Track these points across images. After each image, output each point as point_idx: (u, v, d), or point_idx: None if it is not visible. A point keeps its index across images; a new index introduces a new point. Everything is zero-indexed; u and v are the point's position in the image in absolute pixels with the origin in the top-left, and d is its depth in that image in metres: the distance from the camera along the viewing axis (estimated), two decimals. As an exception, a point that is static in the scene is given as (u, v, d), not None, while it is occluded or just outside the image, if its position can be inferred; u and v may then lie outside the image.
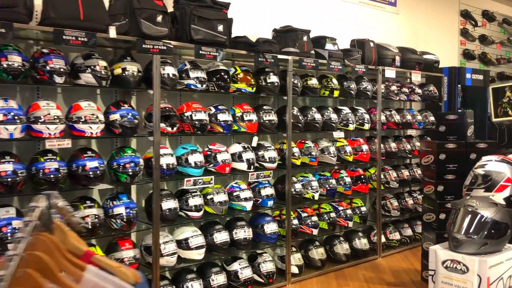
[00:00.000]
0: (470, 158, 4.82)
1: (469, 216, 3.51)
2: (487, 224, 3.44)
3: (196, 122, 4.39)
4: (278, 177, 5.37)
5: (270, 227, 4.99)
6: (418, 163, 7.01)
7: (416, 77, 6.61)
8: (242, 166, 4.77)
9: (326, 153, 5.60)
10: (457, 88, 7.42)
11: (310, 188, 5.41)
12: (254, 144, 4.92)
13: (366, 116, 6.02)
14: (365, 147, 6.00)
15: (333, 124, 5.59)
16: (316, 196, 5.41)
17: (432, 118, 6.95)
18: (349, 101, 6.55)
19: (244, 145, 4.87)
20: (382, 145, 6.27)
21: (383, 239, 6.28)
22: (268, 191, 5.02)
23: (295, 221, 5.29)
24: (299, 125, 5.25)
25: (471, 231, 3.48)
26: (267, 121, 4.95)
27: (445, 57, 7.86)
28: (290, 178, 5.14)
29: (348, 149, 5.81)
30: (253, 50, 4.71)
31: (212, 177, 4.47)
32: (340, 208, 5.83)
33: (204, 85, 4.41)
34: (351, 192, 5.82)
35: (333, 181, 5.66)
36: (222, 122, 4.60)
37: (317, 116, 5.44)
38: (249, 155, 4.81)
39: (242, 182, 4.89)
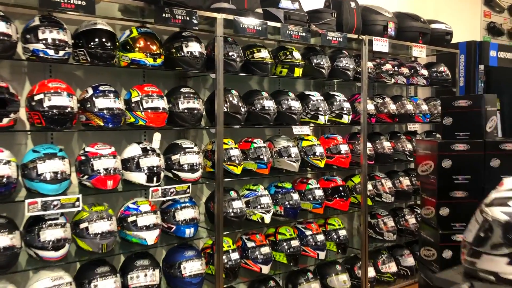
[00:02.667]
0: (490, 165, 3.12)
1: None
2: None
3: (52, 111, 2.81)
4: (212, 192, 3.76)
5: (191, 267, 3.39)
6: (423, 169, 5.26)
7: (419, 52, 4.87)
8: (139, 177, 3.17)
9: (284, 156, 3.95)
10: (477, 70, 5.62)
11: (258, 206, 3.77)
12: (154, 143, 3.30)
13: (346, 105, 4.34)
14: (344, 148, 4.32)
15: (294, 116, 3.93)
16: (267, 218, 3.77)
17: (443, 109, 5.20)
18: (328, 86, 4.87)
19: (146, 146, 3.27)
20: (370, 145, 4.58)
21: (372, 273, 4.59)
22: (187, 213, 3.41)
23: (235, 255, 3.66)
24: (238, 116, 3.61)
25: None
26: (185, 111, 3.34)
27: (463, 32, 6.08)
28: (221, 194, 3.51)
29: (319, 150, 4.14)
30: (152, 1, 3.10)
31: (79, 196, 2.88)
32: (308, 232, 4.17)
33: (62, 52, 2.82)
34: (322, 210, 4.16)
35: (295, 196, 4.00)
36: (102, 111, 3.01)
37: (268, 103, 3.79)
38: (151, 161, 3.20)
39: (144, 202, 3.29)
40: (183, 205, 3.42)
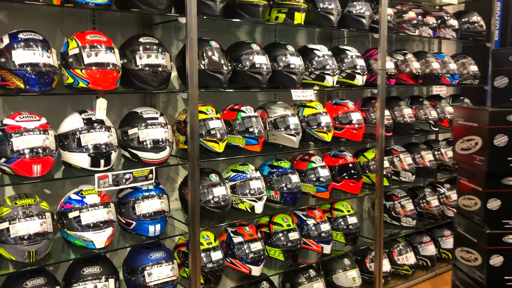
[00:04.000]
0: None
1: None
2: None
3: None
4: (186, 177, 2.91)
5: (158, 273, 2.60)
6: (448, 139, 4.42)
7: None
8: (81, 159, 2.33)
9: (281, 128, 3.09)
10: (515, 21, 4.68)
11: (247, 192, 2.94)
12: (99, 114, 2.42)
13: (360, 63, 3.44)
14: (356, 116, 3.45)
15: (293, 76, 3.04)
16: (259, 208, 2.95)
17: (473, 68, 4.30)
18: (337, 38, 3.95)
19: (91, 117, 2.41)
20: (388, 112, 3.70)
21: (386, 266, 3.82)
22: (151, 205, 2.58)
23: (216, 255, 2.86)
24: (219, 76, 2.73)
25: None
26: (145, 68, 2.46)
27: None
28: (197, 178, 2.67)
29: (325, 120, 3.27)
30: None
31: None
32: (310, 221, 3.36)
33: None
34: (328, 194, 3.33)
35: (294, 178, 3.17)
36: (22, 69, 2.13)
37: (260, 59, 2.90)
38: (97, 137, 2.35)
39: (92, 191, 2.45)
40: (146, 194, 2.59)
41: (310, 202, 3.37)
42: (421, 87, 4.50)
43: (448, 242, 4.25)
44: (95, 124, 2.37)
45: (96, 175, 2.32)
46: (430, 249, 4.16)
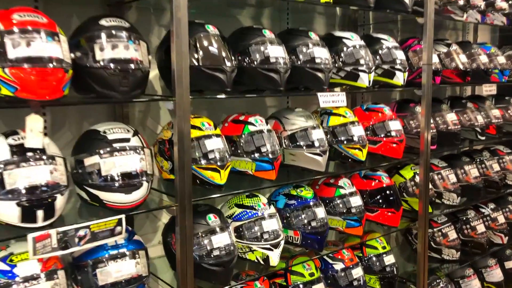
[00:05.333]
0: None
1: None
2: None
3: None
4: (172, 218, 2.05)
5: None
6: (490, 149, 3.62)
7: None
8: (7, 212, 1.47)
9: (303, 144, 2.26)
10: None
11: (259, 237, 2.10)
12: (31, 140, 1.54)
13: (399, 56, 2.62)
14: (395, 126, 2.65)
15: (319, 74, 2.20)
16: (275, 258, 2.11)
17: (522, 62, 3.52)
18: (361, 25, 3.13)
19: (22, 142, 1.54)
20: (431, 119, 2.89)
21: (427, 312, 3.02)
22: (123, 269, 1.73)
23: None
24: (219, 75, 1.88)
25: None
26: (109, 65, 1.59)
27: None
28: (188, 225, 1.83)
29: (358, 132, 2.46)
30: None
31: None
32: (338, 266, 2.54)
33: None
34: (361, 230, 2.52)
35: (320, 212, 2.34)
36: None
37: (275, 51, 2.05)
38: (32, 174, 1.49)
39: (27, 256, 1.58)
40: (113, 252, 1.74)
41: (334, 238, 2.56)
42: (464, 87, 3.71)
43: (493, 274, 3.48)
44: (29, 154, 1.51)
45: (31, 236, 1.46)
46: (474, 285, 3.38)
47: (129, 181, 1.66)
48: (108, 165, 1.65)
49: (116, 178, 1.65)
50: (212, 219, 1.99)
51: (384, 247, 2.79)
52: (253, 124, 2.12)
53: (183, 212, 1.78)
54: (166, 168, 1.96)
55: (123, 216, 1.64)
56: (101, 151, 1.66)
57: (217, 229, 1.97)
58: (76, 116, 2.04)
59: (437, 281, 3.21)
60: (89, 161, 1.66)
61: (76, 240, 1.55)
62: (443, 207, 3.11)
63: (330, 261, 2.56)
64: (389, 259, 2.77)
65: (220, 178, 1.92)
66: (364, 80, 2.40)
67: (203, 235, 1.94)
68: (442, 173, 3.11)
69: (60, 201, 1.54)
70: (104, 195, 1.65)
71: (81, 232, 1.55)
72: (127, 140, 1.72)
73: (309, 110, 2.49)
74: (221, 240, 1.96)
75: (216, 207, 2.12)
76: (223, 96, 1.92)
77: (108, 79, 1.61)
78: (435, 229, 3.18)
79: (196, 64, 1.82)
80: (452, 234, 3.20)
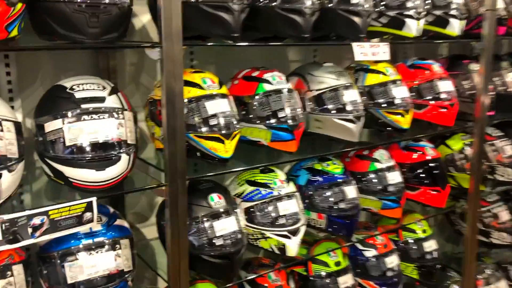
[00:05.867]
0: None
1: None
2: None
3: None
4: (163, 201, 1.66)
5: None
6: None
7: None
8: None
9: (331, 108, 1.82)
10: None
11: (274, 221, 1.71)
12: None
13: (456, -1, 2.10)
14: (447, 86, 2.16)
15: (356, 18, 1.71)
16: (293, 248, 1.71)
17: None
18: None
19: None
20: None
21: (470, 304, 2.61)
22: (98, 263, 1.37)
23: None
24: (225, 17, 1.43)
25: None
26: (76, -1, 1.17)
27: None
28: (181, 212, 1.44)
29: (401, 93, 1.99)
30: None
31: None
32: (369, 252, 2.14)
33: None
34: (400, 212, 2.10)
35: (351, 191, 1.92)
36: None
37: (299, -13, 1.58)
38: None
39: None
40: (87, 242, 1.37)
41: (367, 220, 2.15)
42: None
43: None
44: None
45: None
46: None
47: (101, 154, 1.27)
48: (73, 133, 1.26)
49: (85, 150, 1.26)
50: (216, 200, 1.60)
51: (424, 231, 2.36)
52: (269, 82, 1.68)
53: (174, 194, 1.38)
54: (158, 135, 1.56)
55: (93, 199, 1.26)
56: (65, 114, 1.26)
57: (221, 212, 1.58)
58: (50, 69, 1.64)
59: (484, 268, 2.79)
60: (50, 126, 1.27)
61: (30, 230, 1.18)
62: (494, 183, 2.64)
63: (360, 247, 2.15)
64: (430, 245, 2.34)
65: (225, 150, 1.51)
66: (412, 28, 1.91)
67: (204, 220, 1.55)
68: (497, 144, 2.62)
69: (7, 179, 1.17)
70: (70, 171, 1.27)
71: (36, 221, 1.18)
72: (101, 99, 1.31)
73: (342, 66, 2.04)
74: (226, 226, 1.57)
75: (222, 185, 1.72)
76: (229, 43, 1.48)
77: (72, 17, 1.20)
78: (484, 209, 2.72)
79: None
80: (504, 215, 2.74)
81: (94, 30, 1.22)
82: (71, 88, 1.32)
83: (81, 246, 1.36)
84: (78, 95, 1.30)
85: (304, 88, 1.87)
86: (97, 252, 1.37)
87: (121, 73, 1.76)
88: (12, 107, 1.57)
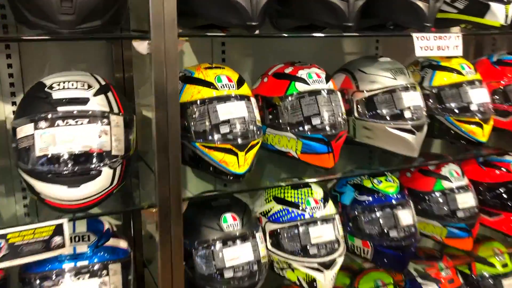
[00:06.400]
0: None
1: None
2: None
3: None
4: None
5: None
6: None
7: None
8: None
9: (386, 114, 1.47)
10: None
11: (305, 250, 1.41)
12: None
13: None
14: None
15: (420, 2, 1.34)
16: (325, 282, 1.40)
17: None
18: None
19: None
20: None
21: None
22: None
23: None
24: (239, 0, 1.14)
25: None
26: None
27: None
28: (174, 249, 1.19)
29: (478, 98, 1.58)
30: None
31: None
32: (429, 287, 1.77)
33: None
34: (471, 242, 1.70)
35: (406, 216, 1.56)
36: None
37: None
38: None
39: None
40: (68, 266, 1.17)
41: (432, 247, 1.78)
42: None
43: None
44: None
45: None
46: None
47: (76, 167, 1.05)
48: (45, 140, 1.05)
49: (57, 162, 1.05)
50: (229, 222, 1.33)
51: (505, 265, 1.92)
52: (303, 81, 1.37)
53: (165, 219, 1.14)
54: (164, 142, 1.32)
55: (64, 221, 1.05)
56: (37, 117, 1.06)
57: (235, 237, 1.31)
58: (59, 61, 1.46)
59: None
60: (22, 131, 1.08)
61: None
62: None
63: (419, 280, 1.78)
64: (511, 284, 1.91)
65: (238, 164, 1.23)
66: (498, 14, 1.49)
67: (212, 246, 1.29)
68: None
69: None
70: (40, 187, 1.07)
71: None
72: (82, 101, 1.09)
73: (408, 61, 1.66)
74: (239, 255, 1.30)
75: (242, 201, 1.45)
76: (243, 35, 1.19)
77: (40, 2, 0.98)
78: None
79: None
80: None
81: (67, 17, 0.99)
82: (50, 87, 1.11)
83: (62, 269, 1.17)
84: (55, 95, 1.09)
85: (352, 87, 1.53)
86: (78, 279, 1.17)
87: (137, 64, 1.54)
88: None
